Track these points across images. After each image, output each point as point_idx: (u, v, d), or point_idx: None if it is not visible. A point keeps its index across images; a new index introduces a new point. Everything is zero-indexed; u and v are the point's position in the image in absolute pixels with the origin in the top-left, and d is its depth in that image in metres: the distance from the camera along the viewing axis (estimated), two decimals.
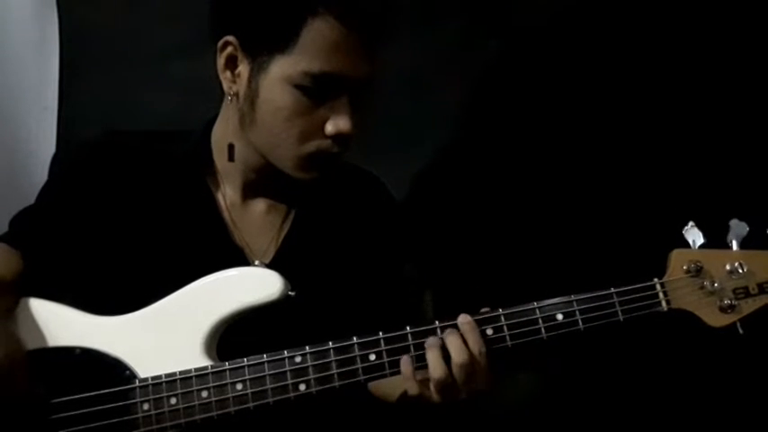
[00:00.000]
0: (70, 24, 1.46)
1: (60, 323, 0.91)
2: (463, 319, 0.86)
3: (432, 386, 0.85)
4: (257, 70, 0.91)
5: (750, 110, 1.37)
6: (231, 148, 0.97)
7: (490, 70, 1.43)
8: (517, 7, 1.43)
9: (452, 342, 0.85)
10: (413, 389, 0.86)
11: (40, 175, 1.35)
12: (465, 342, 0.85)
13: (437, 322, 0.87)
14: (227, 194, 1.02)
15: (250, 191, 1.02)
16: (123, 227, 0.98)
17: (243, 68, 0.93)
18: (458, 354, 0.84)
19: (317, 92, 0.90)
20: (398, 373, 0.86)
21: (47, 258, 0.97)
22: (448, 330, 0.86)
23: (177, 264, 0.95)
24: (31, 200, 1.03)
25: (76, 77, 1.46)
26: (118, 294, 0.93)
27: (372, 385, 0.98)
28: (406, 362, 0.85)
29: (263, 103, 0.92)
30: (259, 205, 1.03)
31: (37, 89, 1.45)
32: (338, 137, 0.92)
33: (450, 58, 1.43)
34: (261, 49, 0.90)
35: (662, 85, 1.39)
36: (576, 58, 1.41)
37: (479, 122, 1.43)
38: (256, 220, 1.02)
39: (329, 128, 0.91)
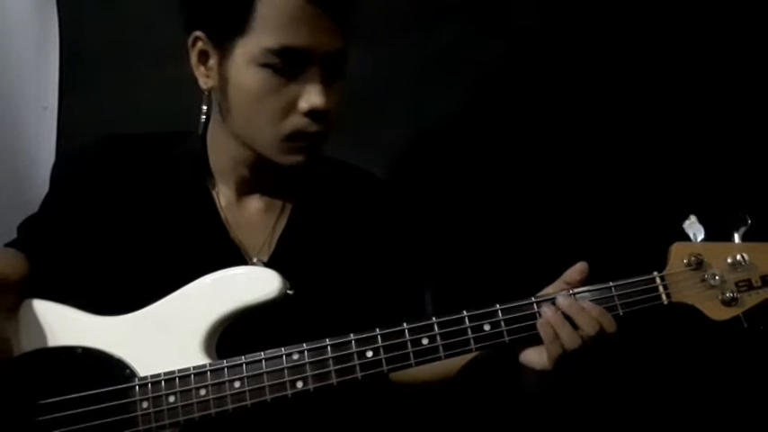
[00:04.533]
0: (70, 24, 1.46)
1: (62, 323, 0.92)
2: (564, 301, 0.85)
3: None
4: (224, 57, 0.91)
5: (751, 103, 1.36)
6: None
7: (490, 70, 1.42)
8: (517, 7, 1.42)
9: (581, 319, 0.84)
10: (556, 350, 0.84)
11: (40, 174, 1.37)
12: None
13: (434, 318, 0.87)
14: (223, 193, 1.02)
15: (245, 188, 1.02)
16: (122, 228, 0.98)
17: (213, 61, 0.93)
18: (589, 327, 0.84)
19: (284, 69, 0.88)
20: (396, 369, 0.86)
21: (50, 260, 0.98)
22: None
23: (176, 263, 0.95)
24: (31, 198, 1.04)
25: (76, 77, 1.46)
26: (118, 294, 0.93)
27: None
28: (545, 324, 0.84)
29: (233, 89, 0.91)
30: (255, 203, 1.03)
31: (37, 89, 1.45)
32: (313, 113, 0.90)
33: (451, 58, 1.43)
34: (224, 35, 0.90)
35: (663, 79, 1.38)
36: (577, 55, 1.40)
37: (479, 121, 1.43)
38: (253, 219, 1.02)
39: (302, 104, 0.89)
